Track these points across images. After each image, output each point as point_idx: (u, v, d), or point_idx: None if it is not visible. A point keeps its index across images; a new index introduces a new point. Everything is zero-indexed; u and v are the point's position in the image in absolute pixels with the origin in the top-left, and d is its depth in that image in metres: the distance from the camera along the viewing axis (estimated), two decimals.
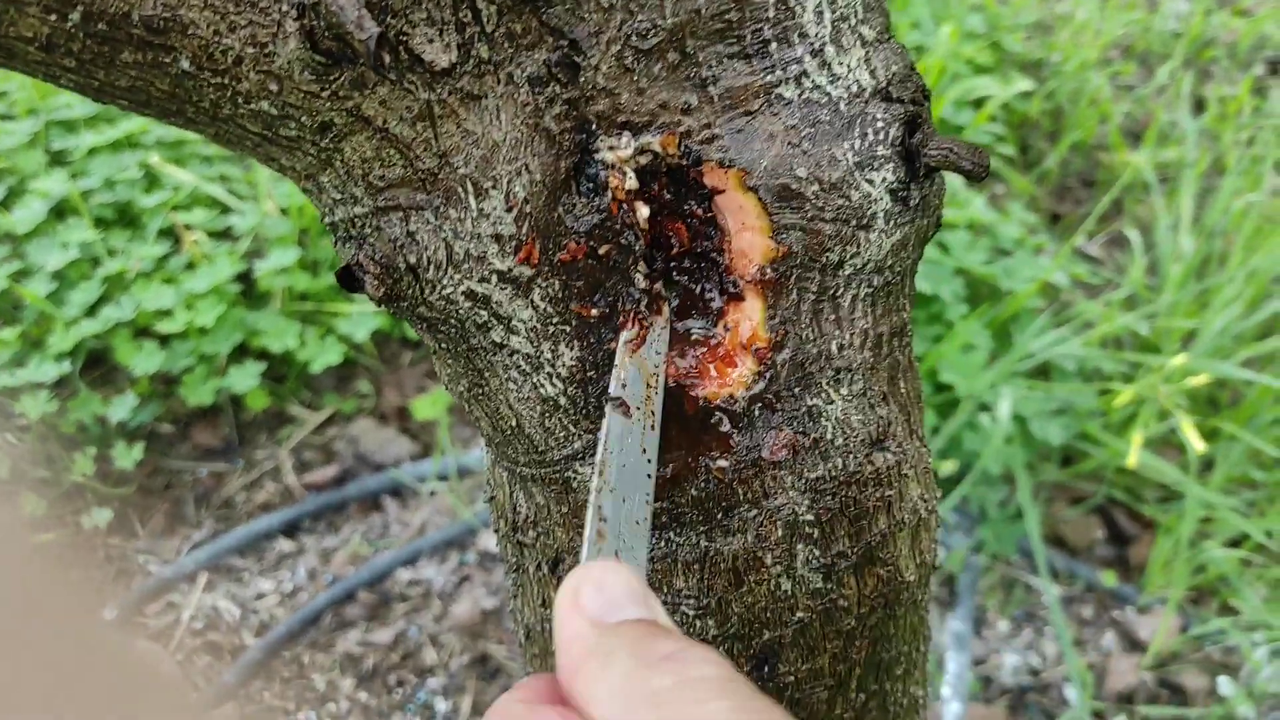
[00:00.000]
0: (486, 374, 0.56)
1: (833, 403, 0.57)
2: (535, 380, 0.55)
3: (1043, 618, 1.93)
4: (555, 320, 0.54)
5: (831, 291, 0.57)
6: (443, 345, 0.56)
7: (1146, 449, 1.95)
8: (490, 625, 1.79)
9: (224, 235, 2.16)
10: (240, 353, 2.05)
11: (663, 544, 0.58)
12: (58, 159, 2.25)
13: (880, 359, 0.59)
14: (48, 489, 1.90)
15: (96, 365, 2.06)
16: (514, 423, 0.57)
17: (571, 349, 0.54)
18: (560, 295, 0.53)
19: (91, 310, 1.97)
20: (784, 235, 0.55)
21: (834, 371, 0.57)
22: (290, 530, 1.94)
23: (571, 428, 0.56)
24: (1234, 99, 2.96)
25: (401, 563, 1.88)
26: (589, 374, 0.55)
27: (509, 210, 0.51)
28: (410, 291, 0.53)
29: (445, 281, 0.52)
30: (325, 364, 1.98)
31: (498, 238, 0.51)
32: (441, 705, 1.70)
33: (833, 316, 0.57)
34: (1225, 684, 1.76)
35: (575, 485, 0.58)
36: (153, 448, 2.00)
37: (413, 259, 0.52)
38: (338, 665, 1.75)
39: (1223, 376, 1.96)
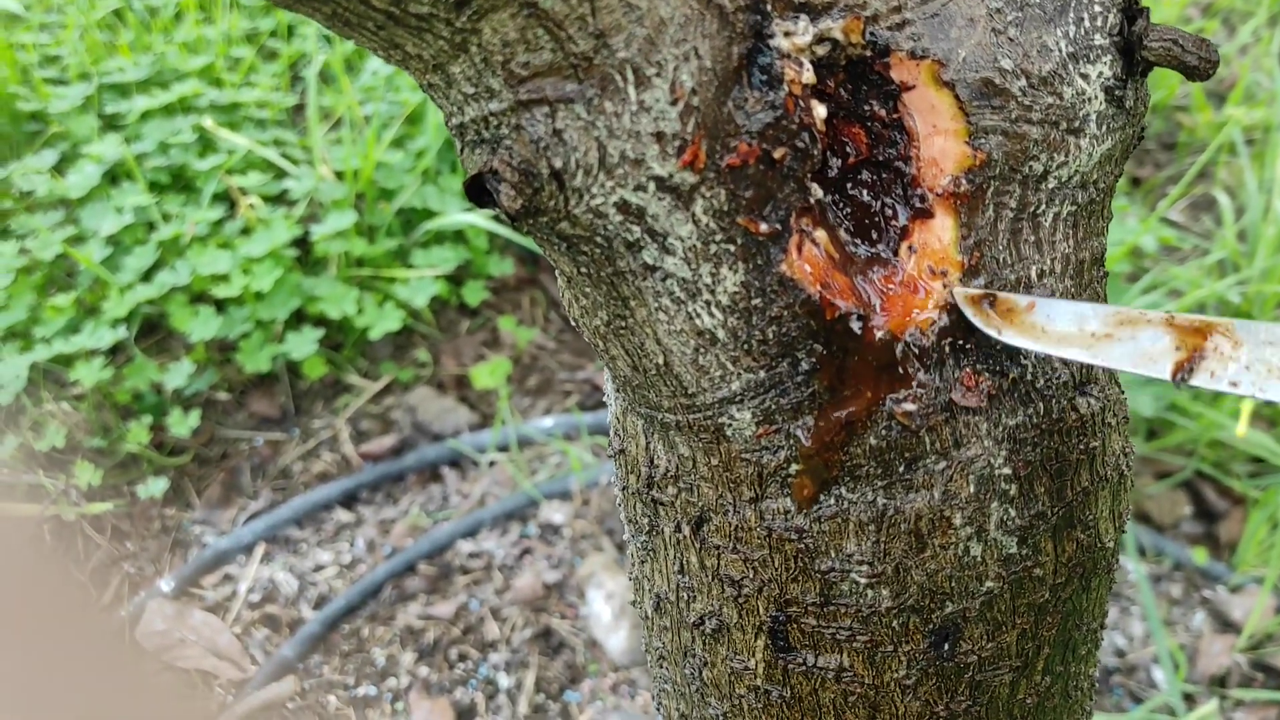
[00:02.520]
0: (633, 303, 0.49)
1: None
2: (690, 309, 0.48)
3: (1129, 596, 1.84)
4: (718, 237, 0.46)
5: (1032, 208, 0.49)
6: (582, 270, 0.49)
7: (1237, 421, 1.85)
8: (553, 599, 1.74)
9: (279, 199, 2.10)
10: (297, 319, 1.99)
11: (833, 501, 0.50)
12: (111, 123, 2.21)
13: (1082, 288, 0.51)
14: (103, 459, 1.86)
15: (152, 332, 2.01)
16: (661, 360, 0.50)
17: (735, 272, 0.46)
18: (726, 207, 0.45)
19: (147, 275, 1.92)
20: (982, 140, 0.47)
21: None
22: (348, 501, 1.89)
23: (729, 365, 0.48)
24: None
25: (462, 535, 1.83)
26: (753, 302, 0.47)
27: (674, 103, 0.43)
28: (552, 203, 0.45)
29: (595, 190, 0.45)
30: (384, 330, 1.92)
31: (659, 136, 0.43)
32: (504, 680, 1.65)
33: (1032, 238, 0.49)
34: None
35: (729, 434, 0.50)
36: (209, 416, 1.95)
37: (558, 163, 0.44)
38: (398, 639, 1.70)
39: None
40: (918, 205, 0.48)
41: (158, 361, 1.92)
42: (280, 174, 2.10)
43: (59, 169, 2.09)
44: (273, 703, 1.60)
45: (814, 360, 0.48)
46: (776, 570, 0.52)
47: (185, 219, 1.95)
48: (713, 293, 0.47)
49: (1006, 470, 0.49)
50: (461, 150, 0.47)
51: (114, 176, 2.07)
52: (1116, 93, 0.48)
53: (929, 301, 0.48)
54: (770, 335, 0.47)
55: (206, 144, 2.11)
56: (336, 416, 1.98)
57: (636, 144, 0.44)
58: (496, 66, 0.43)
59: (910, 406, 0.48)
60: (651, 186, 0.45)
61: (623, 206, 0.45)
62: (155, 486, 1.80)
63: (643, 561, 0.60)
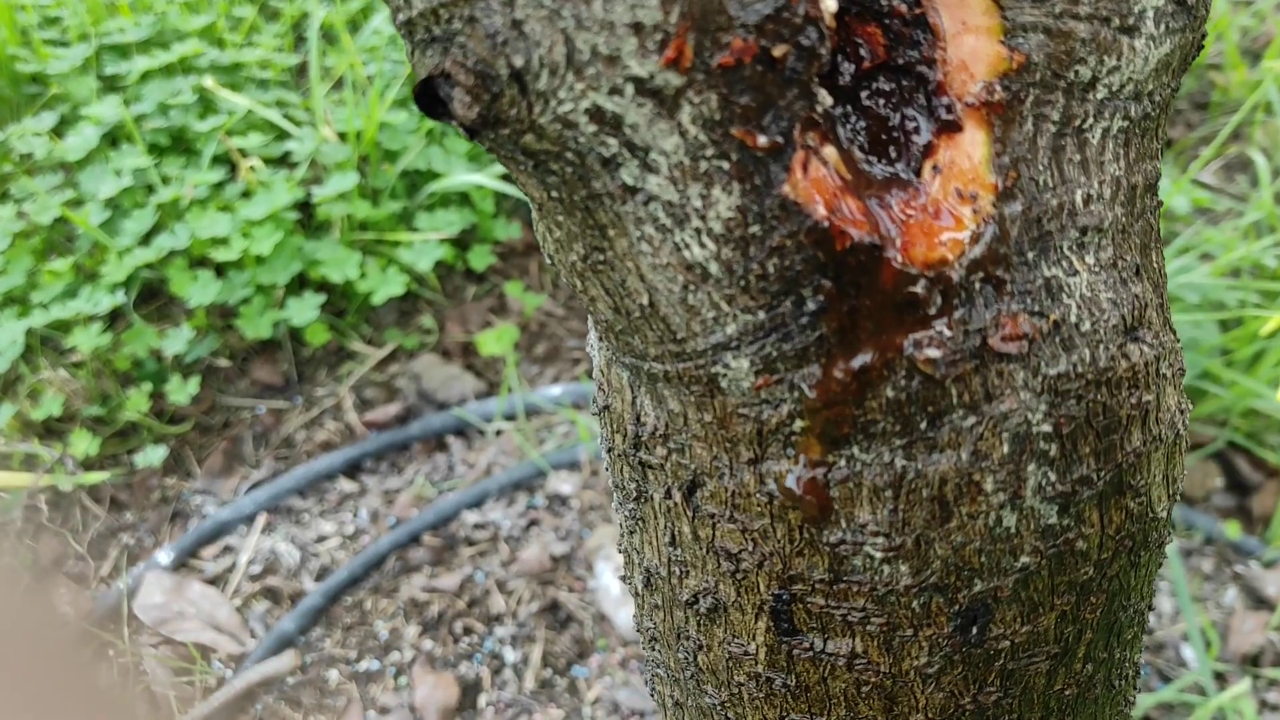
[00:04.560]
0: (611, 232, 0.42)
1: (1077, 274, 0.42)
2: (678, 239, 0.41)
3: (1159, 573, 1.77)
4: (709, 152, 0.39)
5: (1078, 122, 0.42)
6: (553, 195, 0.42)
7: (1274, 389, 1.77)
8: (560, 572, 1.68)
9: (281, 162, 2.04)
10: (300, 284, 1.94)
11: (844, 463, 0.43)
12: (111, 84, 2.15)
13: (1134, 218, 0.44)
14: (102, 427, 1.81)
15: (153, 298, 1.96)
16: (645, 300, 0.43)
17: (729, 194, 0.40)
18: (718, 116, 0.38)
19: (146, 239, 1.87)
20: (1021, 39, 0.40)
21: (1079, 231, 0.42)
22: (351, 470, 1.84)
23: (724, 305, 0.42)
24: None
25: (467, 505, 1.77)
26: (751, 229, 0.40)
27: None
28: (514, 111, 0.38)
29: (563, 94, 0.38)
30: (387, 295, 1.86)
31: (637, 27, 0.37)
32: (511, 655, 1.60)
33: (1078, 157, 0.42)
34: None
35: (724, 385, 0.44)
36: (210, 383, 1.90)
37: (519, 61, 0.37)
38: (401, 612, 1.66)
39: None
40: (944, 117, 0.41)
41: (158, 327, 1.87)
42: (282, 135, 2.04)
43: (58, 131, 2.03)
44: (272, 677, 1.56)
45: (822, 299, 0.41)
46: (779, 542, 0.45)
47: (185, 181, 1.89)
48: (703, 219, 0.40)
49: (1046, 427, 0.42)
50: (412, 53, 0.41)
51: (114, 139, 2.02)
52: None
53: (958, 230, 0.41)
54: (770, 269, 0.40)
55: (207, 105, 2.05)
56: (340, 384, 1.93)
57: (610, 37, 0.37)
58: None
59: (934, 352, 0.41)
60: (629, 89, 0.38)
61: (596, 114, 0.38)
62: (153, 455, 1.76)
63: (631, 532, 0.53)
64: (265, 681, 1.57)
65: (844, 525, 0.44)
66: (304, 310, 1.83)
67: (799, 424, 0.43)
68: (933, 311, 0.41)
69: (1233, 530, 1.73)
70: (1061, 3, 0.40)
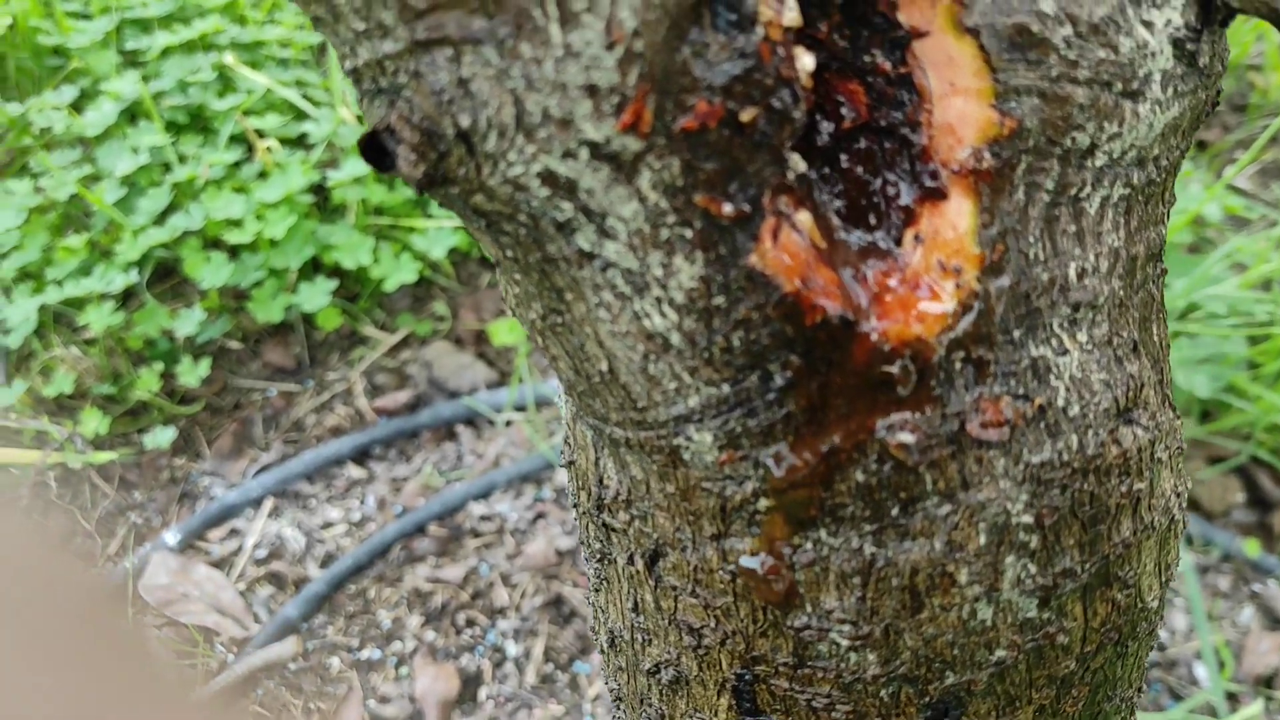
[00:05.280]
0: (569, 296, 0.39)
1: (1067, 353, 0.40)
2: (637, 307, 0.38)
3: (1172, 587, 1.73)
4: (670, 220, 0.36)
5: (1074, 191, 0.39)
6: (508, 254, 0.40)
7: None
8: (566, 566, 1.67)
9: (298, 143, 2.02)
10: (313, 269, 1.92)
11: (810, 547, 0.41)
12: (132, 59, 2.14)
13: (1132, 291, 0.41)
14: (113, 405, 1.81)
15: (168, 277, 1.95)
16: (605, 366, 0.41)
17: (692, 263, 0.37)
18: (680, 182, 0.36)
19: (160, 219, 1.86)
20: (1013, 103, 0.37)
21: (1071, 308, 0.39)
22: (360, 457, 1.83)
23: (686, 377, 0.39)
24: None
25: (474, 496, 1.76)
26: (714, 300, 0.37)
27: (610, 46, 0.33)
28: (462, 171, 0.36)
29: (513, 157, 0.35)
30: (399, 282, 1.85)
31: (592, 90, 0.34)
32: (513, 649, 1.60)
33: (1073, 228, 0.39)
34: None
35: (686, 458, 0.41)
36: (222, 365, 1.89)
37: (465, 121, 0.35)
38: (405, 601, 1.65)
39: None
40: (928, 184, 0.38)
41: (172, 307, 1.87)
42: (300, 116, 2.02)
43: (77, 106, 2.02)
44: (274, 663, 1.56)
45: (789, 374, 0.38)
46: (742, 621, 0.43)
47: (201, 161, 1.88)
48: (664, 288, 0.37)
49: (1027, 518, 0.40)
50: (361, 100, 0.38)
51: (133, 115, 2.00)
52: (1188, 46, 0.38)
53: (938, 305, 0.38)
54: (735, 342, 0.38)
55: (226, 83, 2.04)
56: (351, 369, 1.92)
57: (563, 99, 0.34)
58: None
59: (907, 437, 0.38)
60: (584, 154, 0.35)
61: (549, 178, 0.36)
62: (162, 437, 1.75)
63: (596, 590, 0.51)
64: (267, 667, 1.57)
65: (809, 610, 0.41)
66: (316, 295, 1.82)
67: (764, 503, 0.40)
68: (908, 393, 0.38)
69: (1252, 548, 1.69)
70: (1058, 66, 0.37)
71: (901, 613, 0.41)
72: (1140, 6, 0.37)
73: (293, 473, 1.77)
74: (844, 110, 0.38)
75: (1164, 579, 0.45)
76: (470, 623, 1.62)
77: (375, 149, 0.37)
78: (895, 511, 0.40)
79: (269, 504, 1.75)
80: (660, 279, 0.37)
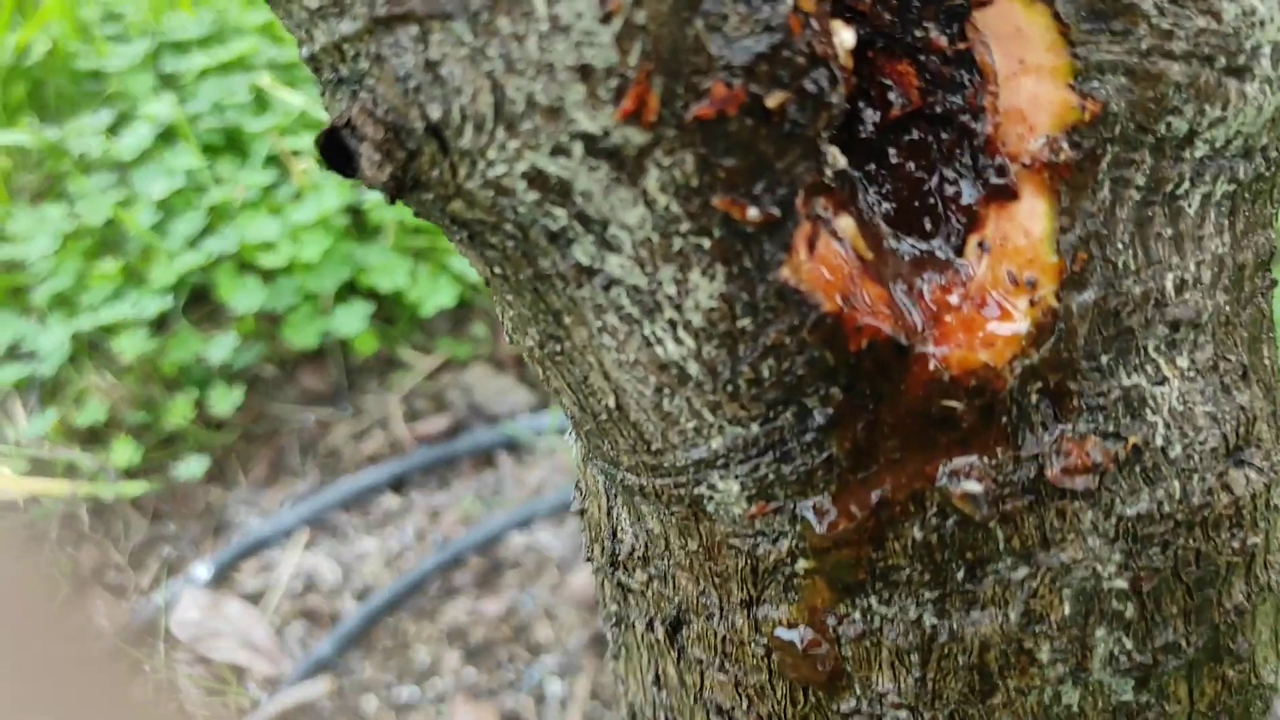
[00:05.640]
0: (567, 319, 0.33)
1: (1165, 381, 0.33)
2: (647, 332, 0.32)
3: None
4: (684, 227, 0.30)
5: (1170, 187, 0.32)
6: (496, 270, 0.34)
7: None
8: None
9: None
10: (349, 291, 1.89)
11: (859, 617, 0.34)
12: (169, 82, 2.13)
13: (1240, 306, 0.35)
14: (147, 434, 1.79)
15: (204, 302, 1.93)
16: (612, 402, 0.34)
17: (711, 278, 0.31)
18: (695, 182, 0.30)
19: (194, 242, 1.84)
20: (1096, 83, 0.31)
21: (1169, 327, 0.33)
22: (398, 485, 1.79)
23: (707, 414, 0.33)
24: None
25: (515, 526, 1.71)
26: (740, 323, 0.31)
27: (606, 18, 0.27)
28: (436, 173, 0.30)
29: (493, 154, 0.29)
30: (437, 306, 1.81)
31: (585, 71, 0.28)
32: (555, 687, 1.54)
33: (1169, 231, 0.33)
34: None
35: (710, 509, 0.35)
36: (258, 390, 1.86)
37: (436, 113, 0.29)
38: (443, 637, 1.61)
39: None
40: (994, 181, 0.32)
41: (207, 332, 1.84)
42: None
43: (114, 128, 2.02)
44: (306, 702, 1.52)
45: (831, 411, 0.32)
46: (779, 703, 0.36)
47: (236, 182, 1.86)
48: (679, 309, 0.31)
49: (1121, 583, 0.33)
50: (323, 93, 0.33)
51: (169, 137, 1.99)
52: None
53: (1009, 325, 0.32)
54: (765, 372, 0.32)
55: (262, 104, 2.02)
56: (389, 394, 1.88)
57: (550, 83, 0.28)
58: None
59: (974, 486, 0.31)
60: (578, 149, 0.29)
61: (537, 179, 0.30)
62: (195, 467, 1.72)
63: (615, 656, 0.45)
64: (299, 706, 1.53)
65: (859, 692, 0.35)
66: (352, 319, 1.79)
67: (802, 564, 0.34)
68: (975, 432, 0.32)
69: None
70: (1150, 37, 0.30)
71: (970, 697, 0.34)
72: None
73: (328, 502, 1.74)
74: (892, 95, 0.32)
75: None
76: (511, 658, 1.58)
77: (337, 149, 0.31)
78: (961, 575, 0.33)
79: (304, 535, 1.72)
80: (674, 298, 0.31)
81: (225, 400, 1.75)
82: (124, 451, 1.72)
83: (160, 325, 1.87)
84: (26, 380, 1.80)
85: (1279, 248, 0.36)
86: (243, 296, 1.77)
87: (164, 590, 1.65)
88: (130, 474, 1.76)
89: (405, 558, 1.70)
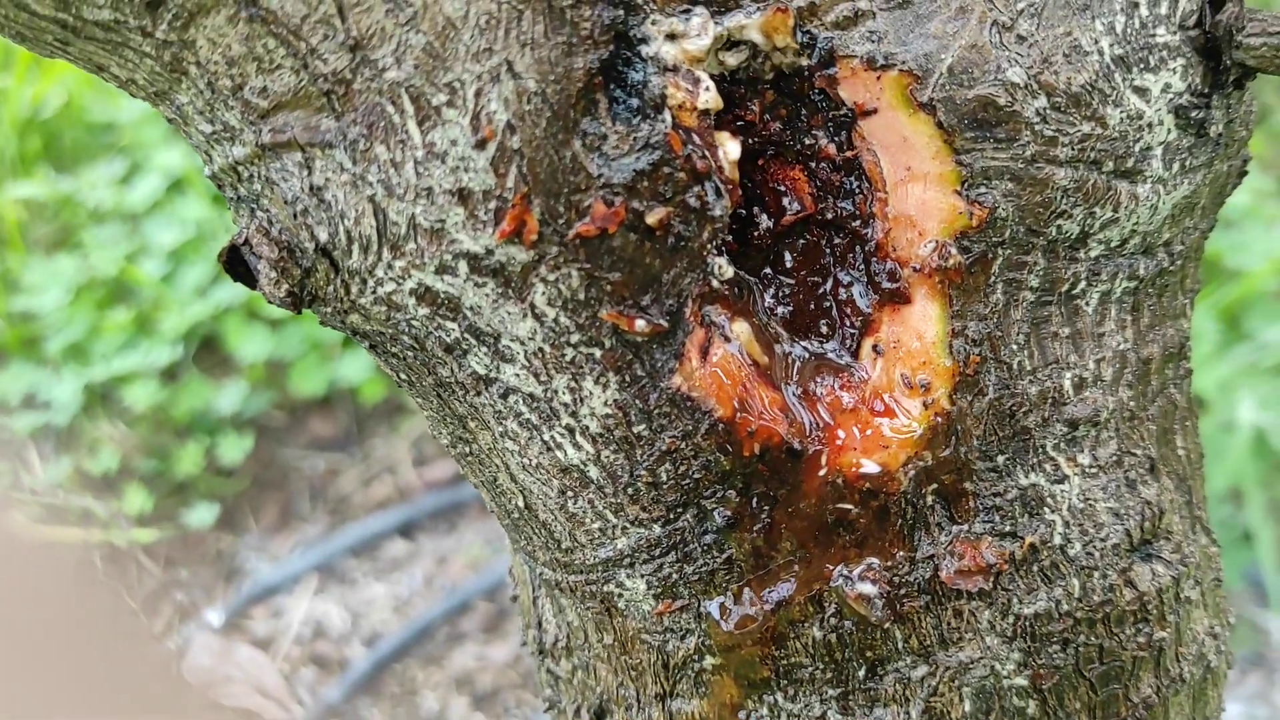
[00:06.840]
0: (471, 424, 0.34)
1: (1064, 480, 0.33)
2: (547, 437, 0.33)
3: (1273, 661, 1.60)
4: (575, 339, 0.31)
5: (1066, 287, 0.33)
6: (401, 377, 0.34)
7: None
8: None
9: None
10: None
11: (766, 712, 0.34)
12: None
13: (1146, 401, 0.35)
14: (159, 482, 1.80)
15: (212, 350, 1.95)
16: (521, 502, 0.35)
17: (604, 387, 0.31)
18: (581, 296, 0.30)
19: (203, 291, 1.86)
20: (982, 189, 0.31)
21: (1067, 425, 0.33)
22: (406, 530, 1.79)
23: (610, 515, 0.33)
24: None
25: None
26: (635, 429, 0.32)
27: (479, 145, 0.28)
28: (330, 290, 0.31)
29: (380, 273, 0.30)
30: None
31: (462, 195, 0.29)
32: None
33: (1066, 330, 0.33)
34: None
35: (621, 605, 0.35)
36: (268, 437, 1.88)
37: (323, 234, 0.30)
38: (451, 683, 1.60)
39: None
40: (886, 285, 0.32)
41: (218, 381, 1.86)
42: None
43: (127, 178, 2.05)
44: None
45: (729, 513, 0.32)
46: None
47: None
48: (574, 416, 0.32)
49: (1021, 680, 0.33)
50: (230, 209, 0.34)
51: (180, 187, 2.02)
52: (1194, 114, 0.31)
53: (903, 428, 0.32)
54: (664, 476, 0.32)
55: None
56: (398, 439, 1.89)
57: (430, 206, 0.29)
58: (226, 94, 0.29)
59: (869, 588, 0.32)
60: (462, 267, 0.30)
61: (426, 296, 0.30)
62: (205, 515, 1.74)
63: None
64: None
65: None
66: (358, 366, 1.80)
67: (709, 660, 0.34)
68: (871, 534, 0.32)
69: None
70: (1034, 143, 0.31)
71: None
72: (1130, 71, 0.30)
73: (337, 549, 1.75)
74: (786, 201, 0.33)
75: None
76: (519, 704, 1.57)
77: (240, 264, 0.32)
78: (862, 674, 0.33)
79: (313, 581, 1.72)
80: (569, 405, 0.32)
81: (235, 448, 1.77)
82: (136, 499, 1.74)
83: (171, 374, 1.89)
84: (42, 429, 1.82)
85: (1189, 339, 0.36)
86: (251, 345, 1.78)
87: (176, 635, 1.66)
88: (143, 521, 1.77)
89: (413, 603, 1.70)
